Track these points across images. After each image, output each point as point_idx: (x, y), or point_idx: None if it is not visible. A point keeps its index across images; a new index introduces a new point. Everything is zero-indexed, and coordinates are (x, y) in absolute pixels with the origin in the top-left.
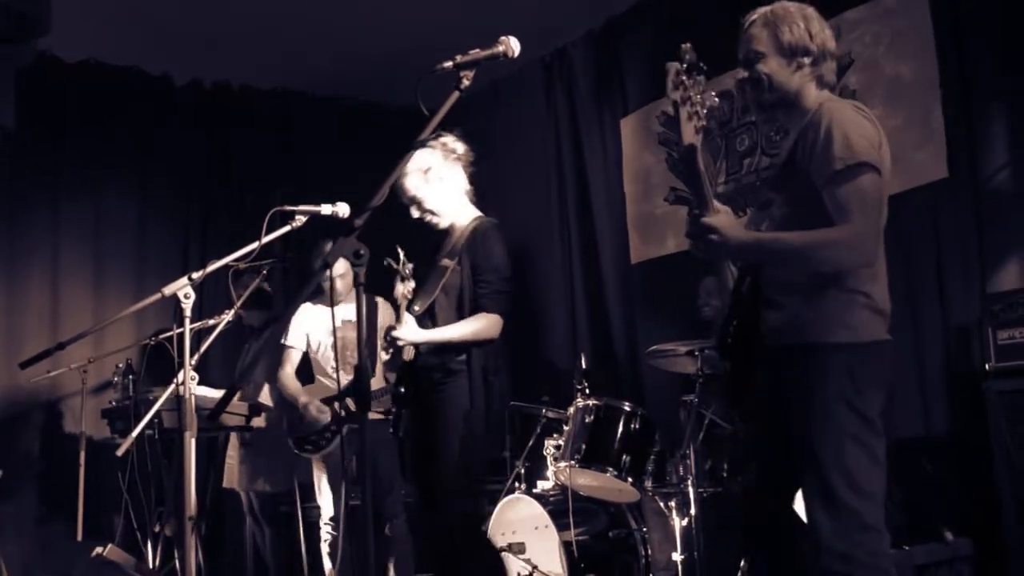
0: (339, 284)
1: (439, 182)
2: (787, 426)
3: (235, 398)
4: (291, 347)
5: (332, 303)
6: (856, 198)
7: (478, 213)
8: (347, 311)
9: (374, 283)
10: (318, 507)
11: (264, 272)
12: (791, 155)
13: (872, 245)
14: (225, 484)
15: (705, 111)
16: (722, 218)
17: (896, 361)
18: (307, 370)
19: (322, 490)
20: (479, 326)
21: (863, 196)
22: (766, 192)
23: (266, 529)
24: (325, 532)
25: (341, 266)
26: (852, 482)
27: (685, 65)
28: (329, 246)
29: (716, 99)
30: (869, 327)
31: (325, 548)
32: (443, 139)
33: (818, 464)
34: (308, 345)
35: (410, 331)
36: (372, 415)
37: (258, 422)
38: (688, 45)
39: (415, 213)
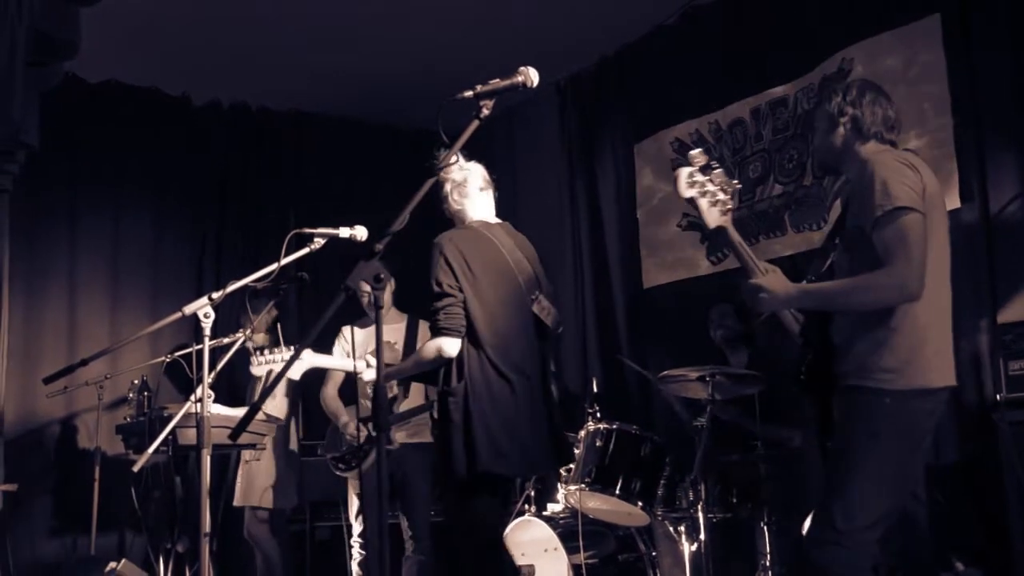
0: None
1: (463, 208)
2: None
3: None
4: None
5: (378, 319)
6: (896, 239)
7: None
8: (387, 332)
9: (417, 304)
10: (331, 526)
11: (280, 293)
12: (845, 207)
13: (915, 282)
14: (236, 502)
15: (729, 195)
16: (770, 278)
17: (942, 408)
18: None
19: (354, 508)
20: (420, 353)
21: (903, 237)
22: (840, 242)
23: (256, 550)
24: (355, 551)
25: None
26: (847, 509)
27: (697, 167)
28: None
29: (738, 184)
30: (922, 374)
31: (355, 568)
32: (457, 165)
33: (830, 487)
34: None
35: (371, 371)
36: (406, 439)
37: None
38: (699, 150)
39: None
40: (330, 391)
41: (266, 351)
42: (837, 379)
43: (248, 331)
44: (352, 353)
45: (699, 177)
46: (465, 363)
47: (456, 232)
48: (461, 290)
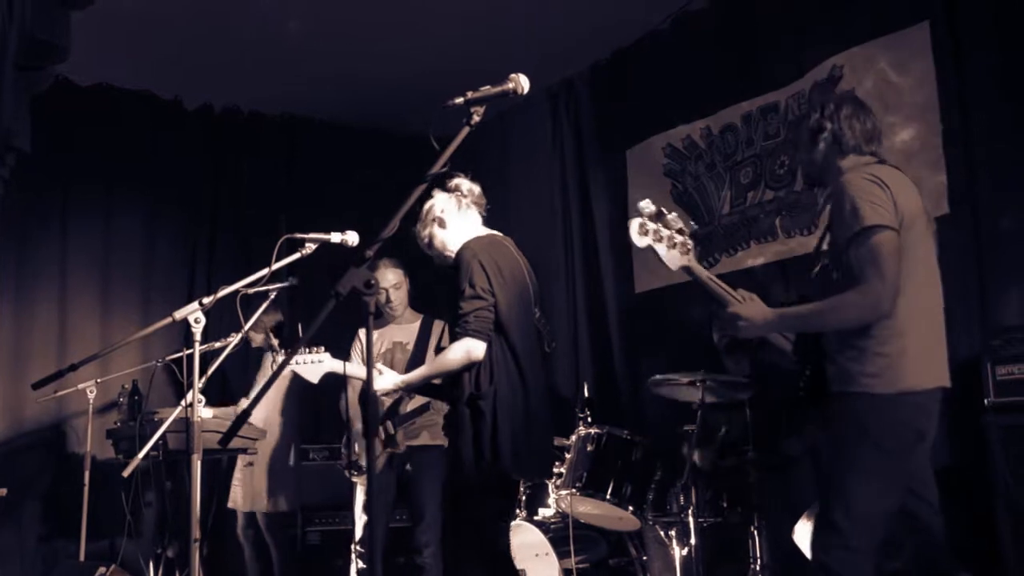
0: (394, 297)
1: (455, 228)
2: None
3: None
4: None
5: (368, 324)
6: (868, 259)
7: None
8: (400, 333)
9: (431, 302)
10: (322, 531)
11: (272, 297)
12: (829, 226)
13: (887, 299)
14: (230, 505)
15: (688, 233)
16: (747, 306)
17: (935, 407)
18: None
19: (358, 514)
20: (446, 356)
21: (874, 255)
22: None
23: (273, 551)
24: (354, 557)
25: (392, 276)
26: (847, 507)
27: (646, 217)
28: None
29: (693, 223)
30: (904, 377)
31: None
32: (455, 182)
33: (826, 490)
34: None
35: (385, 380)
36: (418, 441)
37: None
38: (646, 201)
39: (437, 260)
40: (350, 397)
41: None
42: (827, 388)
43: (240, 336)
44: (364, 356)
45: (651, 225)
46: (493, 367)
47: (485, 239)
48: (493, 294)
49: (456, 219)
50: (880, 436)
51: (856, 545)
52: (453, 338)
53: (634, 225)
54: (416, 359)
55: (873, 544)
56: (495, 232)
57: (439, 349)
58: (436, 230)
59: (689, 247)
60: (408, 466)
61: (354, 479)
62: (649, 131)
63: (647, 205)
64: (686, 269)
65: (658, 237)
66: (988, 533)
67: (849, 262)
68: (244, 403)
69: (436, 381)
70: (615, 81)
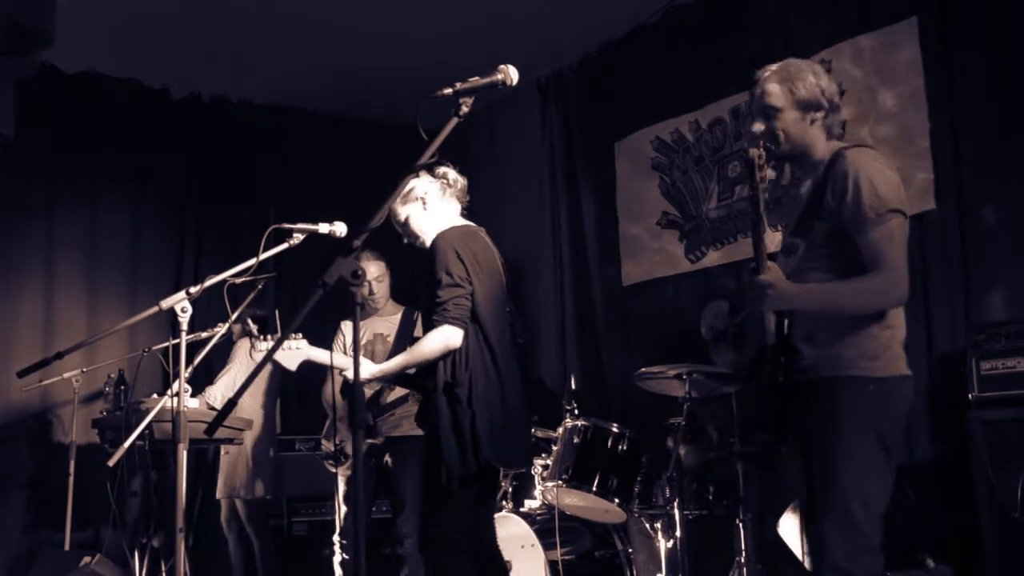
0: (376, 290)
1: (433, 213)
2: (814, 453)
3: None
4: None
5: (355, 315)
6: (887, 243)
7: None
8: (382, 324)
9: (413, 295)
10: (308, 521)
11: (259, 288)
12: (811, 203)
13: (906, 286)
14: (219, 495)
15: (767, 185)
16: (774, 274)
17: (914, 395)
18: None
19: (339, 505)
20: (425, 344)
21: (892, 240)
22: (789, 238)
23: (254, 541)
24: (337, 548)
25: (375, 269)
26: (869, 508)
27: (762, 148)
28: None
29: (773, 173)
30: (896, 362)
31: (337, 569)
32: (442, 170)
33: (841, 488)
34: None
35: (361, 369)
36: (398, 432)
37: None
38: (759, 126)
39: (406, 239)
40: (328, 387)
41: (270, 337)
42: (806, 374)
43: (226, 326)
44: (346, 349)
45: (763, 161)
46: (469, 355)
47: (460, 228)
48: (471, 283)
49: (437, 204)
50: (883, 425)
51: (876, 544)
52: (429, 326)
53: (756, 156)
54: (397, 351)
55: (880, 544)
56: (470, 223)
57: (414, 340)
58: (416, 210)
59: (767, 199)
60: (387, 456)
61: (334, 470)
62: (637, 124)
63: (760, 128)
64: (760, 218)
65: (763, 177)
66: (970, 527)
67: (861, 243)
68: (210, 390)
69: (411, 371)
70: (604, 74)
